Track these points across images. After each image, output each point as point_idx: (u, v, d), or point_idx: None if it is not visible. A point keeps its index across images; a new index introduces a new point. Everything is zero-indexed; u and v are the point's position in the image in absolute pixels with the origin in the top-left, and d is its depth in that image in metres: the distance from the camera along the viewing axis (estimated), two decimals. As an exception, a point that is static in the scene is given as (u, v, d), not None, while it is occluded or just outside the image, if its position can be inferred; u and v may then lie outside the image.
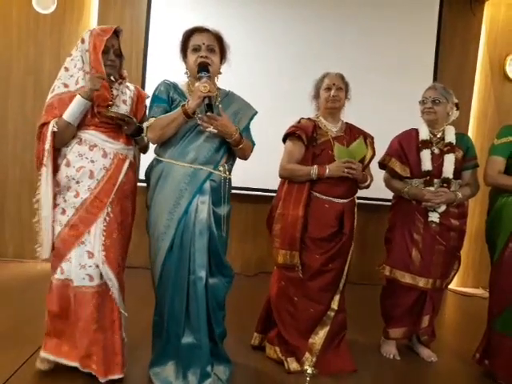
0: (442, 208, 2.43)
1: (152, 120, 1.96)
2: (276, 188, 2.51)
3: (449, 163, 2.45)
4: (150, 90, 2.11)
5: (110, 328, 1.95)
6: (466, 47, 4.35)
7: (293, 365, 2.30)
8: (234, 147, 2.02)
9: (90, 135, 1.95)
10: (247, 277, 4.08)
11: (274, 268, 2.46)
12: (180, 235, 1.94)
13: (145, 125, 2.00)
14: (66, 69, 1.99)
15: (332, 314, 2.35)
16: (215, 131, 1.92)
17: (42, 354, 2.01)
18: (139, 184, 3.68)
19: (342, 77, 2.43)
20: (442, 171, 2.45)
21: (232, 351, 2.22)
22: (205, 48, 1.97)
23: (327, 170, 2.27)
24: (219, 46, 2.03)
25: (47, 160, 1.88)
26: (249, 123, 2.13)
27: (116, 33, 1.99)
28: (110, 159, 1.97)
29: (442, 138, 2.52)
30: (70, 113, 1.88)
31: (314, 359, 2.29)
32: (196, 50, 1.98)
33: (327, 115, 2.43)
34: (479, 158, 2.56)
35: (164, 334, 2.01)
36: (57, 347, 1.99)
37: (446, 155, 2.46)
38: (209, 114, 1.86)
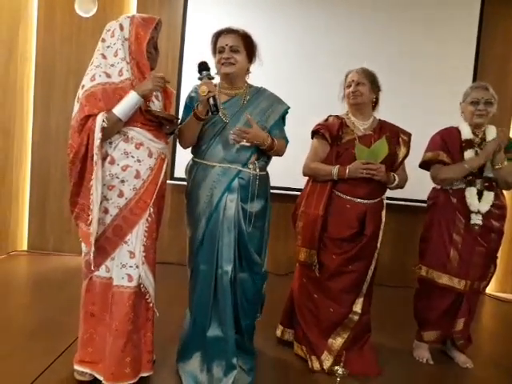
0: (486, 208, 2.36)
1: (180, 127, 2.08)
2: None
3: None
4: (185, 93, 2.17)
5: (143, 327, 1.95)
6: (508, 47, 4.18)
7: (316, 363, 2.30)
8: (268, 152, 2.08)
9: (136, 133, 1.86)
10: (278, 276, 4.08)
11: (297, 265, 2.48)
12: (210, 231, 2.03)
13: (176, 132, 2.09)
14: (104, 56, 1.86)
15: (355, 317, 2.30)
16: (248, 144, 2.01)
17: (79, 368, 1.95)
18: (171, 182, 3.79)
19: (363, 71, 2.36)
20: (483, 171, 2.38)
21: (260, 348, 2.25)
22: (228, 49, 2.03)
23: (347, 171, 2.25)
24: (245, 45, 2.06)
25: (97, 158, 1.74)
26: (280, 119, 2.16)
27: (156, 24, 1.94)
28: (155, 159, 1.91)
29: (483, 139, 2.44)
30: (123, 109, 1.77)
31: (333, 359, 2.26)
32: (220, 52, 2.06)
33: (355, 112, 2.40)
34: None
35: (191, 326, 2.09)
36: (92, 358, 1.92)
37: None
38: (238, 127, 1.96)
